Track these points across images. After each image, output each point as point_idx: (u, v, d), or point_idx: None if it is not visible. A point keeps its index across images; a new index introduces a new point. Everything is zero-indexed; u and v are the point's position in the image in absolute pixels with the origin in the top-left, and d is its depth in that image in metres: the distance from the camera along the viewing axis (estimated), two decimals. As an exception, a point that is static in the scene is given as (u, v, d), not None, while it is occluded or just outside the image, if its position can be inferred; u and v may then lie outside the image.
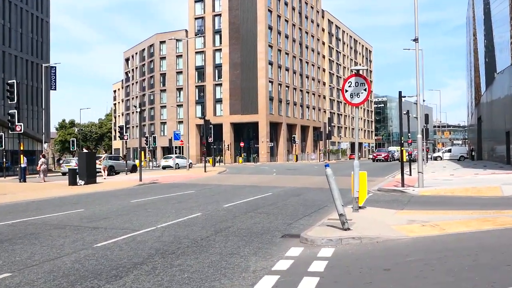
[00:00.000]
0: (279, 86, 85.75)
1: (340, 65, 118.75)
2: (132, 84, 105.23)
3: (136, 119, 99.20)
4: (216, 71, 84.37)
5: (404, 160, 20.55)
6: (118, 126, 42.65)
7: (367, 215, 10.67)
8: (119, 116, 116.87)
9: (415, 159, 48.55)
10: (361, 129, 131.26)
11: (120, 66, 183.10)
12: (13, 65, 55.90)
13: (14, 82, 30.19)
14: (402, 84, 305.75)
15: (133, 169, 41.15)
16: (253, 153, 79.93)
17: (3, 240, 8.81)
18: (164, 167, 52.99)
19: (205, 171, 37.71)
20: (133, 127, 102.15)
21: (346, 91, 11.07)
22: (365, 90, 10.91)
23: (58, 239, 8.73)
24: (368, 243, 7.87)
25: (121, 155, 75.93)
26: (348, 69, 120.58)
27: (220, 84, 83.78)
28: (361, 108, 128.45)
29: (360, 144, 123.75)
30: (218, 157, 73.56)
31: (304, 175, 31.40)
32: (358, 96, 10.96)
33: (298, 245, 7.94)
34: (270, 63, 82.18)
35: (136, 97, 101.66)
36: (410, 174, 26.10)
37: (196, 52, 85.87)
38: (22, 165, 29.62)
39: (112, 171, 37.08)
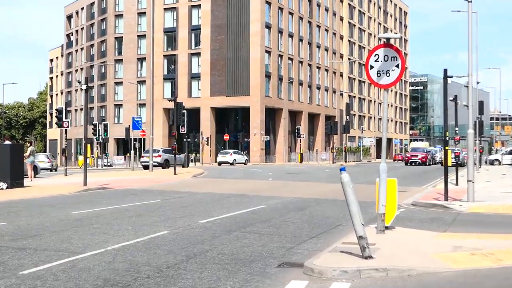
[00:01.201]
0: (279, 58, 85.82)
1: (364, 31, 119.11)
2: (76, 51, 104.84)
3: (80, 99, 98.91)
4: (193, 35, 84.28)
5: (449, 164, 20.65)
6: (56, 109, 42.47)
7: (396, 238, 10.66)
8: (57, 95, 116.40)
9: (463, 163, 48.93)
10: (391, 120, 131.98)
11: (60, 26, 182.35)
12: None
13: None
14: (448, 59, 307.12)
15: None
16: (241, 149, 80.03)
17: None
18: (220, 163, 65.22)
19: (174, 173, 37.71)
20: (76, 110, 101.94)
21: (372, 67, 11.05)
22: (397, 66, 10.92)
23: (-31, 264, 8.67)
24: (396, 277, 7.87)
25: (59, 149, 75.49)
26: (375, 37, 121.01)
27: (198, 54, 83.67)
28: (391, 91, 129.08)
29: (389, 140, 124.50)
30: (194, 155, 73.48)
31: (311, 182, 31.39)
32: (388, 74, 10.96)
33: (300, 277, 7.92)
34: (268, 26, 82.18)
35: (81, 69, 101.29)
36: (457, 184, 26.20)
37: (166, 9, 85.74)
38: None
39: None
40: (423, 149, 68.77)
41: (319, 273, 7.98)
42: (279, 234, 11.86)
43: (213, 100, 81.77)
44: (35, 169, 36.34)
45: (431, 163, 64.72)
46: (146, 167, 49.57)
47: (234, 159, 65.71)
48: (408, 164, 62.42)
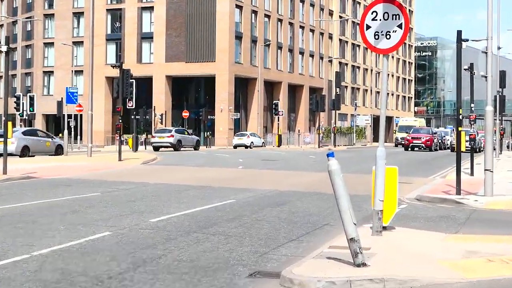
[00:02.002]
0: (253, 15, 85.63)
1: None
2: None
3: None
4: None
5: (463, 149, 20.80)
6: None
7: (396, 241, 10.76)
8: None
9: (480, 148, 49.34)
10: (392, 94, 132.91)
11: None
12: None
13: None
14: (463, 19, 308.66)
15: None
16: (205, 130, 79.90)
17: None
18: (235, 146, 70.58)
19: (119, 159, 37.50)
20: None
21: (368, 27, 11.09)
22: (400, 27, 10.97)
23: None
24: (396, 290, 7.96)
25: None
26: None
27: (151, 8, 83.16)
28: (392, 57, 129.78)
29: (389, 119, 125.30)
30: (144, 136, 73.02)
31: (291, 171, 31.47)
32: (388, 37, 11.00)
33: (277, 290, 7.97)
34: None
35: (1, 26, 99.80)
36: (472, 173, 26.49)
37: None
38: None
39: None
40: (428, 130, 68.59)
41: (300, 284, 8.00)
42: (250, 235, 11.91)
43: (169, 67, 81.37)
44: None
45: (438, 147, 65.04)
46: (157, 148, 58.21)
47: (251, 142, 71.85)
48: (409, 148, 61.75)
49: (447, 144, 67.41)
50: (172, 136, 57.99)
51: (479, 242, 10.87)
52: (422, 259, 9.33)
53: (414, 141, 62.39)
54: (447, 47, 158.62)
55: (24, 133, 43.92)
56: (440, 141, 66.67)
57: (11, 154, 34.48)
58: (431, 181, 25.47)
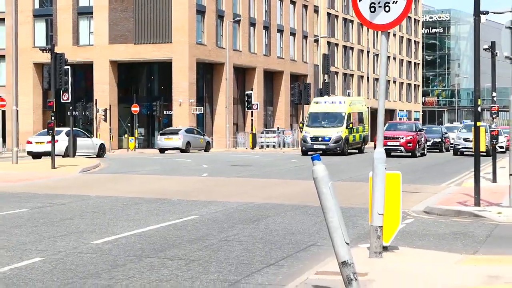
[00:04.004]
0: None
1: None
2: None
3: None
4: None
5: (482, 149, 20.93)
6: None
7: (399, 264, 10.85)
8: None
9: (505, 148, 49.40)
10: (393, 82, 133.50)
11: None
12: None
13: None
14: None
15: None
16: (159, 127, 79.74)
17: None
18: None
19: (53, 167, 37.39)
20: None
21: None
22: None
23: None
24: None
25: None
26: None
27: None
28: (393, 35, 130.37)
29: (391, 113, 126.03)
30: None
31: (268, 178, 31.57)
32: (387, 9, 11.10)
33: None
34: None
35: None
36: (494, 180, 26.72)
37: None
38: None
39: None
40: (411, 126, 58.50)
41: (280, 320, 8.08)
42: (218, 260, 11.96)
43: (113, 50, 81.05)
44: None
45: (423, 151, 54.95)
46: (162, 150, 64.17)
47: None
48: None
49: (447, 145, 63.48)
50: (180, 138, 63.28)
51: (503, 265, 10.98)
52: (432, 287, 9.42)
53: (389, 143, 51.24)
54: (462, 21, 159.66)
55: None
56: (441, 141, 62.98)
57: None
58: (443, 189, 25.63)
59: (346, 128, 53.32)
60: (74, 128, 56.30)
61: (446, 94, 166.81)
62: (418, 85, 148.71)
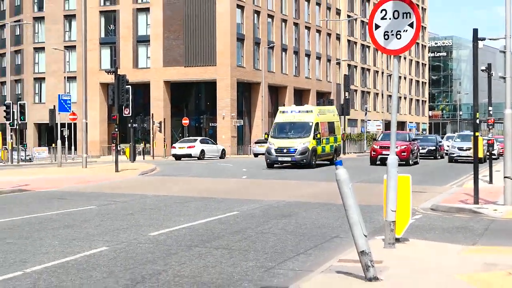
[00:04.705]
0: (256, 15, 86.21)
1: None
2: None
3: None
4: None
5: (480, 154, 21.58)
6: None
7: (409, 254, 11.16)
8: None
9: (497, 154, 49.07)
10: (404, 98, 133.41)
11: None
12: None
13: None
14: (479, 16, 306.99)
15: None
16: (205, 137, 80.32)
17: None
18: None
19: (116, 171, 38.31)
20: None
21: (378, 26, 11.57)
22: (411, 26, 11.41)
23: None
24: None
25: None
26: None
27: (147, 10, 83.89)
28: (404, 58, 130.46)
29: (402, 124, 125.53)
30: (142, 145, 73.77)
31: (298, 180, 32.05)
32: (399, 36, 11.44)
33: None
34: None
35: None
36: (491, 181, 27.09)
37: None
38: None
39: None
40: (404, 136, 53.80)
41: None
42: (255, 249, 12.30)
43: (167, 72, 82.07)
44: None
45: (416, 159, 51.95)
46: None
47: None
48: (378, 162, 47.97)
49: (441, 152, 62.03)
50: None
51: (498, 255, 11.23)
52: (438, 272, 9.69)
53: (384, 152, 47.50)
54: (463, 46, 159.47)
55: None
56: (437, 148, 60.60)
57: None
58: (447, 190, 25.93)
59: (314, 138, 44.71)
60: (204, 137, 66.27)
61: (449, 108, 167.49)
62: (425, 101, 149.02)
